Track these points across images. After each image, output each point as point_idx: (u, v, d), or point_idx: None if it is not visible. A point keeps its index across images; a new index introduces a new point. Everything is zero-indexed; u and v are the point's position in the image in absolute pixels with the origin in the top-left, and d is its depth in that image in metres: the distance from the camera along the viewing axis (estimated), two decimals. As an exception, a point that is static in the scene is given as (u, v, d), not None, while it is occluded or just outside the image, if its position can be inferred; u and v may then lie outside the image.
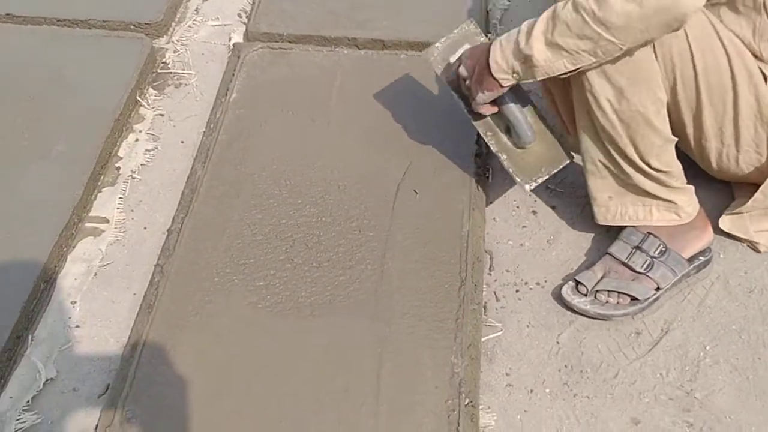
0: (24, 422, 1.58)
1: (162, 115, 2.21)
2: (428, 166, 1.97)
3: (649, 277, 1.72)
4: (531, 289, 1.80)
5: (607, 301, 1.72)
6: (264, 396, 1.56)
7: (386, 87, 2.17)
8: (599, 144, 1.69)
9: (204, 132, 2.10)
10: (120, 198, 1.99)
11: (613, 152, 1.67)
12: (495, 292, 1.79)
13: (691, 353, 1.67)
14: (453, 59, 1.76)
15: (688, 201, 1.74)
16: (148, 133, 2.16)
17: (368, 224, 1.85)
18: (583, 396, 1.62)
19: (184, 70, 2.34)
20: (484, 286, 1.78)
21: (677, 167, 1.71)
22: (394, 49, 2.30)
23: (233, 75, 2.23)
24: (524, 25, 1.56)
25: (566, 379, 1.65)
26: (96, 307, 1.78)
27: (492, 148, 1.78)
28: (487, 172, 2.00)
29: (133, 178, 2.04)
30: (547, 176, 1.77)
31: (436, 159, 1.99)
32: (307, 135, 2.06)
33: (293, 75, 2.23)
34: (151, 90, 2.27)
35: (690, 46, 1.58)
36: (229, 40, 2.41)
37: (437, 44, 1.79)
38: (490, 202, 1.95)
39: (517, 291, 1.79)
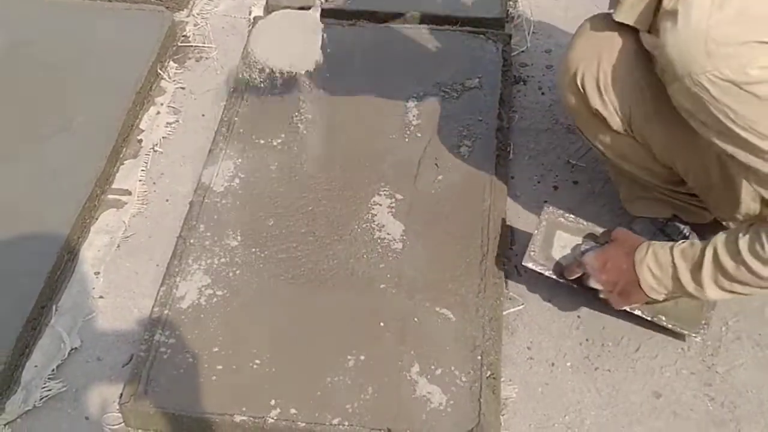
0: (50, 390, 1.59)
1: (183, 88, 2.21)
2: (449, 141, 1.97)
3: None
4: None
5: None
6: (286, 366, 1.57)
7: (407, 61, 2.17)
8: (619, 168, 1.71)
9: (225, 105, 2.10)
10: (142, 170, 1.99)
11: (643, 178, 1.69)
12: (516, 267, 1.79)
13: (713, 328, 1.67)
14: (558, 254, 1.66)
15: None
16: (169, 106, 2.16)
17: (389, 198, 1.85)
18: (604, 369, 1.62)
19: (204, 43, 2.33)
20: (506, 260, 1.78)
21: None
22: (413, 23, 2.29)
23: (254, 48, 2.22)
24: (680, 260, 1.45)
25: (587, 352, 1.65)
26: (119, 278, 1.79)
27: (648, 318, 1.62)
28: (509, 147, 1.99)
29: (155, 150, 2.05)
30: (711, 314, 1.64)
31: (457, 133, 1.98)
32: (328, 108, 2.06)
33: (314, 49, 2.22)
34: (171, 63, 2.27)
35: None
36: (250, 13, 2.41)
37: (532, 246, 1.66)
38: (512, 177, 1.95)
39: (538, 265, 1.79)
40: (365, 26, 2.29)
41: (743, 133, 1.25)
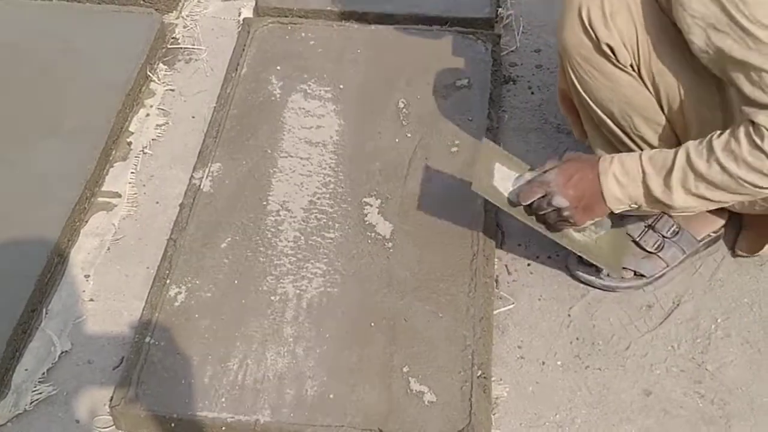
0: (40, 393, 1.59)
1: (173, 90, 2.21)
2: (439, 141, 1.97)
3: (659, 257, 1.71)
4: (542, 262, 1.80)
5: (609, 273, 1.71)
6: (277, 367, 1.57)
7: (397, 62, 2.17)
8: (612, 148, 1.68)
9: (215, 107, 2.09)
10: (132, 173, 1.99)
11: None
12: (507, 266, 1.79)
13: (703, 326, 1.67)
14: (504, 185, 1.61)
15: None
16: (159, 108, 2.16)
17: (380, 197, 1.85)
18: (594, 368, 1.62)
19: (194, 45, 2.33)
20: (496, 259, 1.79)
21: None
22: (404, 24, 2.29)
23: (243, 50, 2.22)
24: (649, 166, 1.44)
25: (578, 351, 1.65)
26: (109, 280, 1.79)
27: (576, 251, 1.63)
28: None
29: (145, 153, 2.04)
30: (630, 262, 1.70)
31: (447, 132, 1.99)
32: (318, 109, 2.06)
33: (303, 50, 2.22)
34: (161, 65, 2.26)
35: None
36: (239, 15, 2.41)
37: (475, 176, 1.61)
38: (502, 177, 1.95)
39: (528, 264, 1.80)
40: (355, 27, 2.29)
41: (745, 22, 1.28)
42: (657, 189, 1.44)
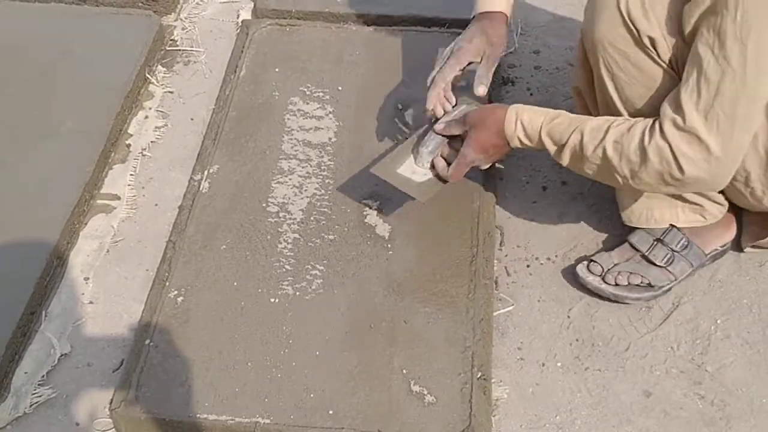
0: (40, 396, 1.59)
1: (171, 92, 2.21)
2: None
3: (669, 271, 1.70)
4: (542, 264, 1.80)
5: (617, 283, 1.70)
6: (277, 369, 1.57)
7: (395, 63, 2.17)
8: None
9: (213, 109, 2.09)
10: (131, 175, 1.99)
11: None
12: (506, 267, 1.79)
13: (702, 327, 1.67)
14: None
15: (716, 204, 1.69)
16: (157, 111, 2.16)
17: (379, 198, 1.85)
18: (594, 369, 1.62)
19: (192, 47, 2.33)
20: (495, 261, 1.79)
21: None
22: (402, 25, 2.29)
23: (242, 52, 2.22)
24: (547, 139, 1.54)
25: (578, 352, 1.65)
26: (109, 283, 1.78)
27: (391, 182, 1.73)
28: (498, 148, 2.00)
29: (144, 155, 2.04)
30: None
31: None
32: (317, 111, 2.06)
33: (302, 51, 2.22)
34: (160, 67, 2.26)
35: None
36: (238, 17, 2.41)
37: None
38: (501, 178, 1.95)
39: (528, 266, 1.80)
40: (353, 29, 2.29)
41: (729, 29, 1.30)
42: (551, 147, 1.55)
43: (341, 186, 1.88)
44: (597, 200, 1.88)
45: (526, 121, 1.56)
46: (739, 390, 1.58)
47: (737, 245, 1.77)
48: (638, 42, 1.49)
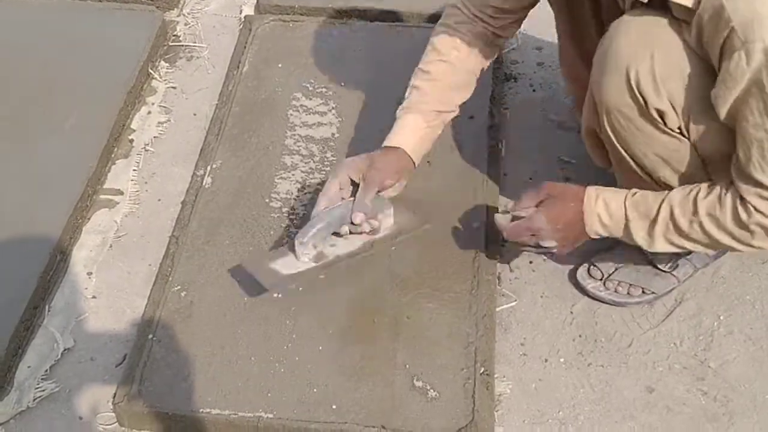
0: (43, 390, 1.59)
1: (174, 87, 2.21)
2: (441, 139, 1.95)
3: (673, 275, 1.70)
4: (544, 260, 1.80)
5: (617, 290, 1.70)
6: (281, 364, 1.57)
7: (398, 59, 2.16)
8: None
9: (216, 104, 2.10)
10: (134, 170, 1.99)
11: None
12: (509, 263, 1.79)
13: (705, 323, 1.67)
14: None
15: None
16: (160, 106, 2.16)
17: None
18: (597, 365, 1.63)
19: (195, 42, 2.33)
20: (498, 257, 1.78)
21: None
22: (406, 21, 2.29)
23: (245, 48, 2.22)
24: (633, 212, 1.47)
25: (580, 348, 1.65)
26: (112, 278, 1.79)
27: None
28: (500, 144, 2.00)
29: (147, 150, 2.04)
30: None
31: (448, 130, 1.97)
32: (320, 107, 2.06)
33: (305, 47, 2.22)
34: (162, 63, 2.26)
35: None
36: (240, 12, 2.41)
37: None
38: (504, 175, 1.95)
39: (530, 262, 1.80)
40: (356, 24, 2.29)
41: None
42: (639, 235, 1.48)
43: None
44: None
45: (609, 197, 1.50)
46: (742, 386, 1.58)
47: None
48: (645, 113, 1.43)
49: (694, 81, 1.38)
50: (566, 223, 1.53)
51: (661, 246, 1.48)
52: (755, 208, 1.37)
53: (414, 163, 1.72)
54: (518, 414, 1.56)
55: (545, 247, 1.56)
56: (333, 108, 2.06)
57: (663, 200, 1.45)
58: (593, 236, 1.53)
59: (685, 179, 1.50)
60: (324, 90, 2.10)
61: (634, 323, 1.68)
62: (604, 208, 1.49)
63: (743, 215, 1.38)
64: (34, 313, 1.70)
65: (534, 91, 2.16)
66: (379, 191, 1.68)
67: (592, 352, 1.65)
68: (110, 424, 1.55)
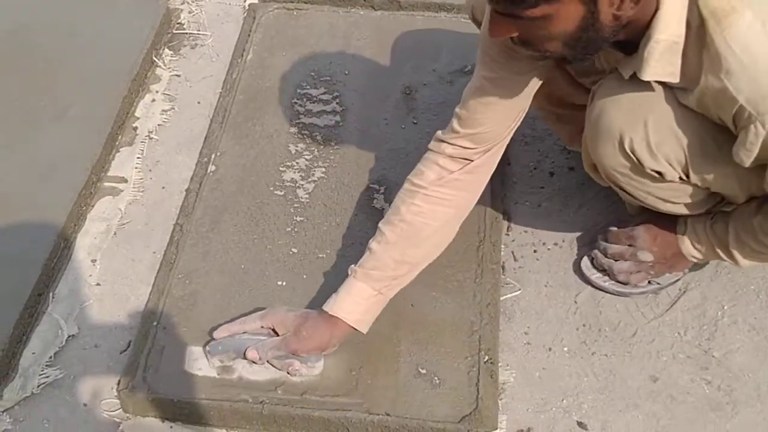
0: (47, 377, 1.59)
1: (178, 75, 2.20)
2: (446, 126, 1.96)
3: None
4: (549, 249, 1.80)
5: (621, 281, 1.70)
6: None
7: (403, 48, 2.17)
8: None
9: (221, 92, 2.09)
10: (138, 158, 1.99)
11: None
12: (513, 252, 1.79)
13: (709, 313, 1.67)
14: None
15: None
16: (164, 94, 2.15)
17: (386, 183, 1.85)
18: (601, 354, 1.63)
19: (199, 30, 2.33)
20: (503, 246, 1.78)
21: None
22: (410, 10, 2.28)
23: (249, 36, 2.22)
24: (713, 238, 1.55)
25: (584, 337, 1.65)
26: (116, 265, 1.79)
27: None
28: (505, 133, 1.99)
29: (151, 138, 2.04)
30: None
31: (453, 119, 1.98)
32: (324, 95, 2.05)
33: (309, 35, 2.22)
34: (166, 50, 2.26)
35: None
36: (245, 0, 2.40)
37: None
38: (508, 164, 1.94)
39: (535, 251, 1.80)
40: (361, 13, 2.28)
41: None
42: (723, 255, 1.55)
43: (348, 170, 1.88)
44: (604, 187, 1.87)
45: (696, 223, 1.58)
46: (746, 375, 1.58)
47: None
48: (642, 173, 1.46)
49: (693, 139, 1.39)
50: (662, 239, 1.63)
51: (745, 262, 1.54)
52: None
53: (359, 331, 1.53)
54: (522, 402, 1.56)
55: (641, 261, 1.65)
56: (337, 96, 2.05)
57: (728, 226, 1.52)
58: (690, 259, 1.62)
59: (691, 209, 1.55)
60: (328, 78, 2.10)
61: (638, 313, 1.68)
62: (693, 232, 1.59)
63: None
64: (38, 300, 1.70)
65: (539, 80, 2.15)
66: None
67: (596, 341, 1.65)
68: (114, 411, 1.56)
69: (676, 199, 1.53)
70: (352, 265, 1.53)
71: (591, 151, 1.51)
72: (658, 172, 1.44)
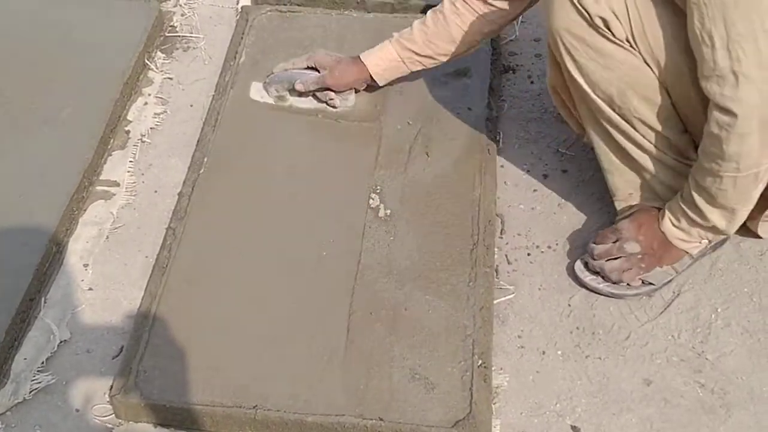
0: (39, 382, 1.59)
1: (170, 78, 2.20)
2: (439, 129, 1.96)
3: (672, 267, 1.69)
4: (542, 252, 1.80)
5: (615, 282, 1.70)
6: (277, 357, 1.57)
7: (396, 50, 2.16)
8: (613, 143, 1.67)
9: (213, 95, 2.09)
10: (130, 161, 1.98)
11: (628, 148, 1.66)
12: (507, 256, 1.79)
13: (703, 315, 1.67)
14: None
15: None
16: (156, 97, 2.15)
17: (380, 185, 1.84)
18: (595, 357, 1.62)
19: (192, 33, 2.32)
20: (496, 249, 1.78)
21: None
22: (402, 12, 2.28)
23: (241, 38, 2.21)
24: (685, 206, 1.60)
25: (578, 340, 1.65)
26: (108, 269, 1.78)
27: None
28: (498, 136, 1.99)
29: (143, 141, 2.03)
30: None
31: (447, 122, 1.98)
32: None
33: (302, 38, 2.21)
34: (159, 53, 2.25)
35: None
36: (237, 3, 2.39)
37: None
38: (501, 166, 1.95)
39: (528, 254, 1.79)
40: (354, 15, 2.28)
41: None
42: (696, 216, 1.59)
43: (342, 172, 1.88)
44: (598, 189, 1.87)
45: (671, 202, 1.64)
46: (740, 378, 1.58)
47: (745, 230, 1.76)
48: (591, 24, 1.52)
49: None
50: (647, 228, 1.67)
51: (719, 219, 1.57)
52: (724, 95, 1.40)
53: (377, 82, 1.95)
54: (516, 406, 1.56)
55: (629, 254, 1.67)
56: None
57: (685, 184, 1.59)
58: (678, 244, 1.65)
59: (659, 109, 1.58)
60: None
61: (631, 315, 1.68)
62: (669, 210, 1.64)
63: (720, 116, 1.42)
64: (30, 305, 1.69)
65: (532, 82, 2.16)
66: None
67: (590, 344, 1.64)
68: (107, 416, 1.55)
69: (637, 86, 1.56)
70: (395, 32, 1.90)
71: (546, 20, 1.58)
72: (606, 24, 1.50)
